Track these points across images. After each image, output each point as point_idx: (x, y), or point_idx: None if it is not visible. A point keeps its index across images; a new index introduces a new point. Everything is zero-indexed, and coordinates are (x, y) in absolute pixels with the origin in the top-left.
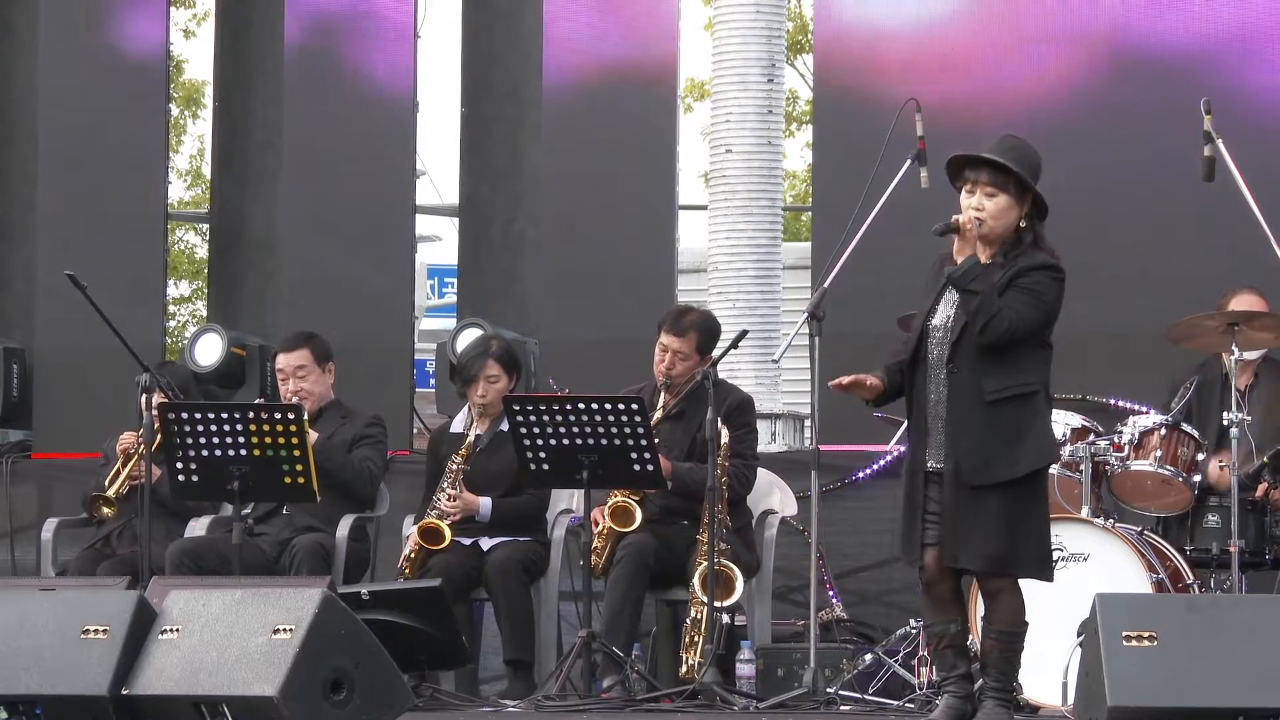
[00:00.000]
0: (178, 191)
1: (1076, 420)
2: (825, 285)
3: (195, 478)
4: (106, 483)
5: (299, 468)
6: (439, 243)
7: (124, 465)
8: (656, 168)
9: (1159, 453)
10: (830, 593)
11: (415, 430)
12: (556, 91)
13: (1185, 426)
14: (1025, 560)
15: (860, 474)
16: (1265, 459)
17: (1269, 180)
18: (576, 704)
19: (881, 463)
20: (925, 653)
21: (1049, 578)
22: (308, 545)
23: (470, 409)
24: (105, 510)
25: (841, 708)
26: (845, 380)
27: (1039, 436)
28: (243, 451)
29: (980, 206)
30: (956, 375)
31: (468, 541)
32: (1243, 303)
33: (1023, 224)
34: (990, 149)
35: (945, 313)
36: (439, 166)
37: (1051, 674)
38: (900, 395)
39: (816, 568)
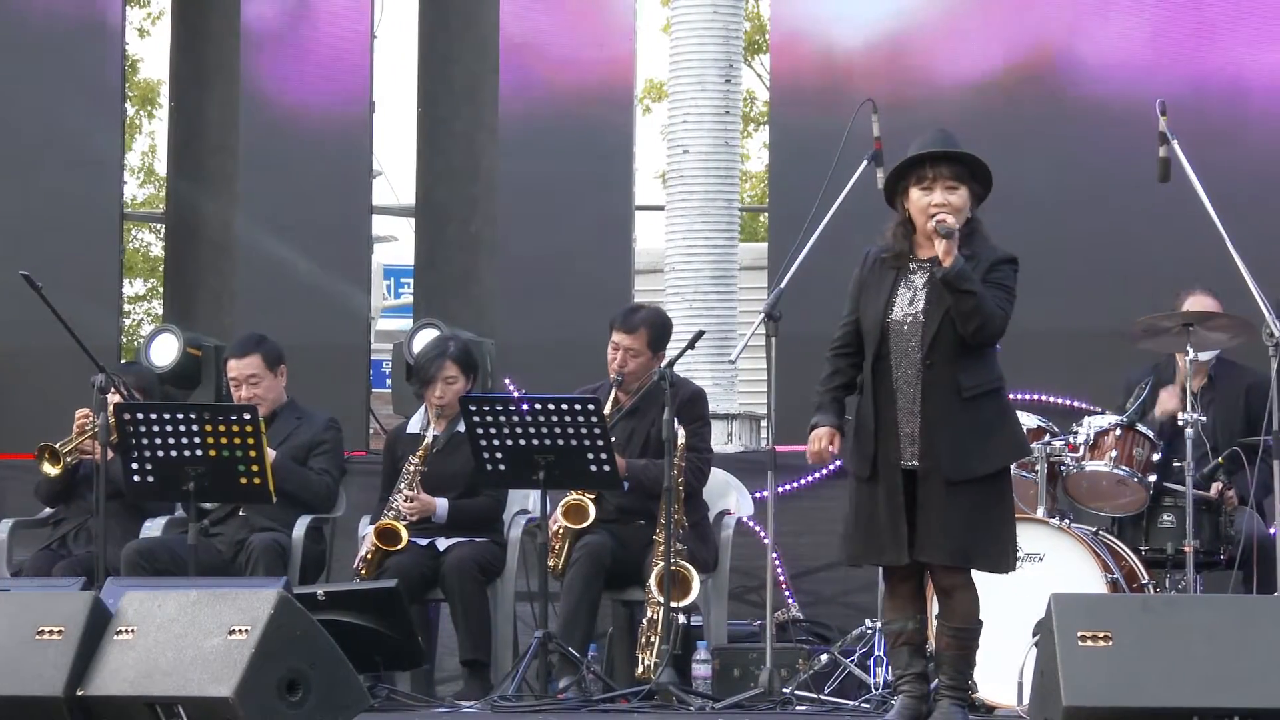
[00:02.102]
0: (132, 190)
1: (1032, 420)
2: (782, 286)
3: (151, 478)
4: (59, 444)
5: (255, 469)
6: (395, 243)
7: (77, 435)
8: (613, 168)
9: (1114, 453)
10: (786, 593)
11: (371, 431)
12: (513, 92)
13: (1140, 427)
14: (993, 554)
15: (817, 474)
16: (1220, 459)
17: (1224, 180)
18: (533, 704)
19: (838, 463)
20: (881, 653)
21: (1011, 569)
22: (263, 546)
23: (427, 410)
24: (48, 466)
25: (797, 708)
26: (821, 452)
27: (1013, 432)
28: (199, 452)
29: (945, 202)
30: (932, 371)
31: (424, 542)
32: (1196, 304)
33: (969, 215)
34: (934, 143)
35: (909, 309)
36: (396, 167)
37: (1007, 674)
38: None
39: (772, 568)
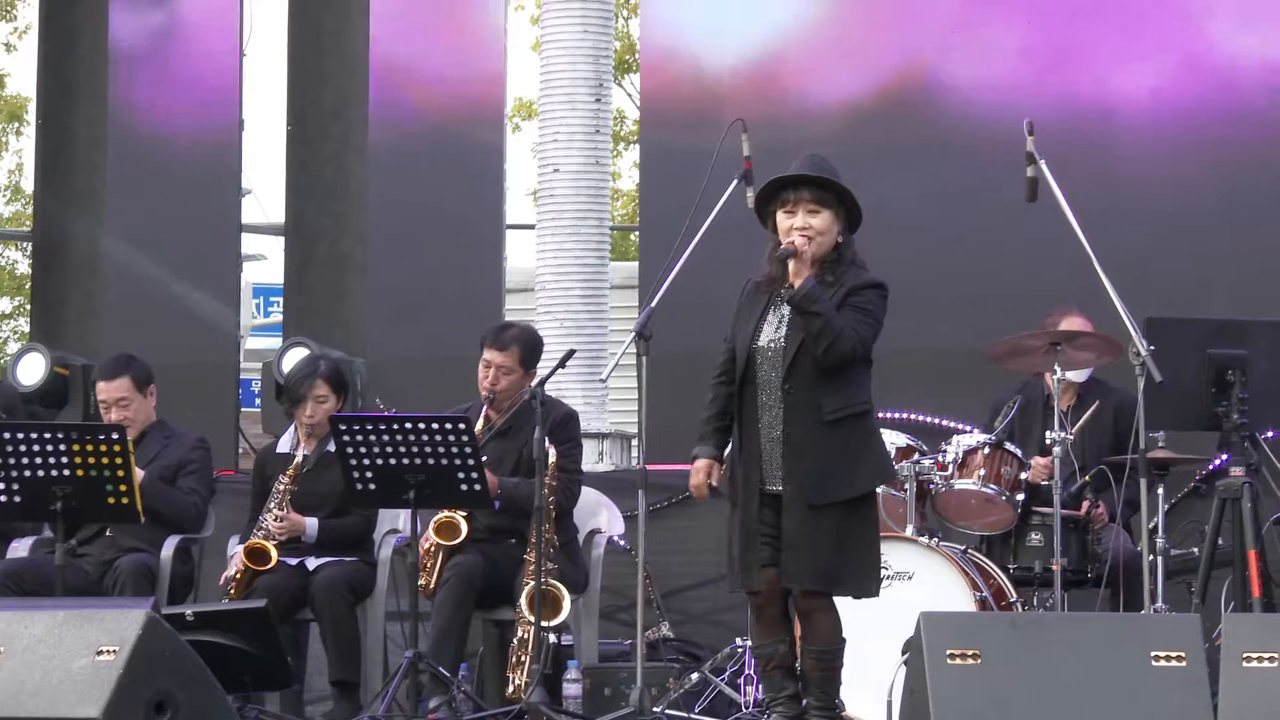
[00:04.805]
0: None
1: (901, 439)
2: (653, 304)
3: (17, 498)
4: None
5: (123, 488)
6: (265, 261)
7: None
8: (484, 187)
9: (982, 471)
10: (657, 611)
11: (241, 450)
12: (383, 111)
13: (1008, 446)
14: (858, 577)
15: (687, 493)
16: (1087, 478)
17: (1089, 200)
18: None
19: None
20: (751, 671)
21: (876, 593)
22: (131, 566)
23: (297, 429)
24: None
25: None
26: (700, 485)
27: (877, 455)
28: (66, 472)
29: (806, 225)
30: (793, 396)
31: (294, 561)
32: (1069, 324)
33: (839, 239)
34: (802, 167)
35: (773, 334)
36: (265, 185)
37: (876, 692)
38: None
39: (643, 587)
